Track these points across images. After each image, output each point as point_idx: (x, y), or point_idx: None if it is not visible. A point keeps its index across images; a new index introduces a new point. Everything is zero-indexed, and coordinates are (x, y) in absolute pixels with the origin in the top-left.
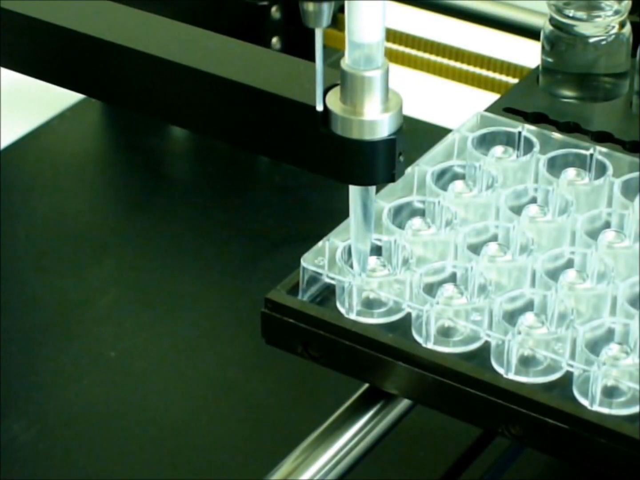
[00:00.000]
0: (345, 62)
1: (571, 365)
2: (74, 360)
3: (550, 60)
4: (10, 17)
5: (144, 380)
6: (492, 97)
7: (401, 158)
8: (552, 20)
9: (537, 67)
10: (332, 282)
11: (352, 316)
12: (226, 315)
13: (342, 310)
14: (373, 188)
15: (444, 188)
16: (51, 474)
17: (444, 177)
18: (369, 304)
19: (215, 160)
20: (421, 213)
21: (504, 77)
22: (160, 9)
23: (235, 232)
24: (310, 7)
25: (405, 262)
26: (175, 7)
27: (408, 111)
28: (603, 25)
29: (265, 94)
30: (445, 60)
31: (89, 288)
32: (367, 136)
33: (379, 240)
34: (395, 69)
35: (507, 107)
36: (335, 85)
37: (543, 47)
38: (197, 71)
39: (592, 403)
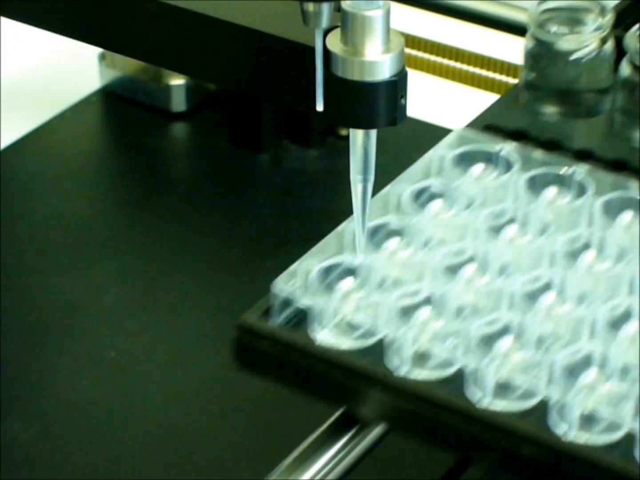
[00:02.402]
0: (346, 2)
1: (548, 393)
2: (74, 360)
3: (531, 76)
4: None
5: (144, 380)
6: (492, 97)
7: (403, 101)
8: (533, 35)
9: (518, 83)
10: (306, 305)
11: (326, 341)
12: (226, 316)
13: (316, 334)
14: (374, 132)
15: (422, 208)
16: (51, 474)
17: (422, 197)
18: (344, 328)
19: (215, 160)
20: (398, 234)
21: (504, 77)
22: None
23: (235, 232)
24: (310, 7)
25: (381, 284)
26: None
27: (408, 111)
28: (585, 41)
29: (263, 35)
30: (445, 60)
31: (89, 288)
32: (368, 77)
33: (354, 262)
34: None
35: (487, 125)
36: (336, 27)
37: (524, 63)
38: (194, 13)
39: (569, 431)
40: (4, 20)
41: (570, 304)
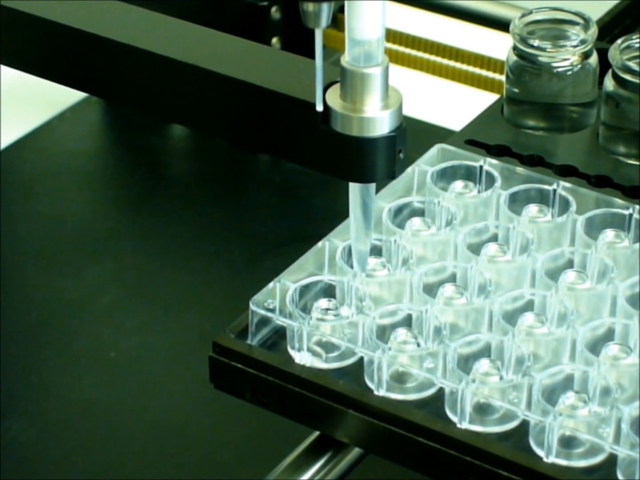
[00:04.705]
0: (345, 59)
1: (527, 415)
2: (74, 360)
3: (514, 90)
4: (12, 15)
5: (144, 380)
6: (492, 97)
7: (401, 155)
8: (516, 49)
9: (502, 97)
10: (283, 324)
11: (303, 361)
12: (226, 315)
13: (293, 354)
14: (373, 185)
15: (402, 225)
16: (51, 474)
17: (402, 214)
18: (321, 348)
19: (215, 160)
20: (378, 252)
21: (503, 77)
22: (161, 9)
23: (235, 232)
24: (310, 7)
25: (359, 304)
26: (175, 7)
27: (408, 111)
28: (569, 54)
29: (264, 91)
30: (445, 60)
31: (89, 288)
32: (367, 133)
33: (332, 280)
34: (395, 69)
35: (469, 139)
36: (335, 82)
37: (507, 77)
38: (196, 68)
39: (549, 454)
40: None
41: (550, 324)
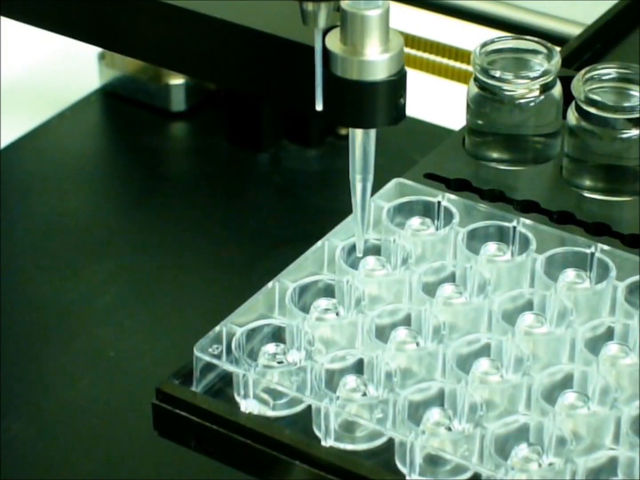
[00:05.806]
0: (345, 2)
1: (479, 469)
2: (74, 360)
3: (476, 121)
4: None
5: (144, 380)
6: None
7: (402, 101)
8: (477, 80)
9: (463, 128)
10: (229, 370)
11: (250, 408)
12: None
13: (240, 401)
14: (373, 132)
15: (356, 264)
16: (50, 474)
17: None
18: (269, 395)
19: (215, 160)
20: (329, 293)
21: None
22: None
23: (235, 232)
24: (309, 6)
25: (308, 347)
26: None
27: (408, 111)
28: (531, 86)
29: (264, 35)
30: (445, 60)
31: (89, 288)
32: (367, 77)
33: (282, 323)
34: None
35: (427, 173)
36: (335, 27)
37: (468, 107)
38: (195, 14)
39: None
40: (4, 20)
41: (505, 371)
